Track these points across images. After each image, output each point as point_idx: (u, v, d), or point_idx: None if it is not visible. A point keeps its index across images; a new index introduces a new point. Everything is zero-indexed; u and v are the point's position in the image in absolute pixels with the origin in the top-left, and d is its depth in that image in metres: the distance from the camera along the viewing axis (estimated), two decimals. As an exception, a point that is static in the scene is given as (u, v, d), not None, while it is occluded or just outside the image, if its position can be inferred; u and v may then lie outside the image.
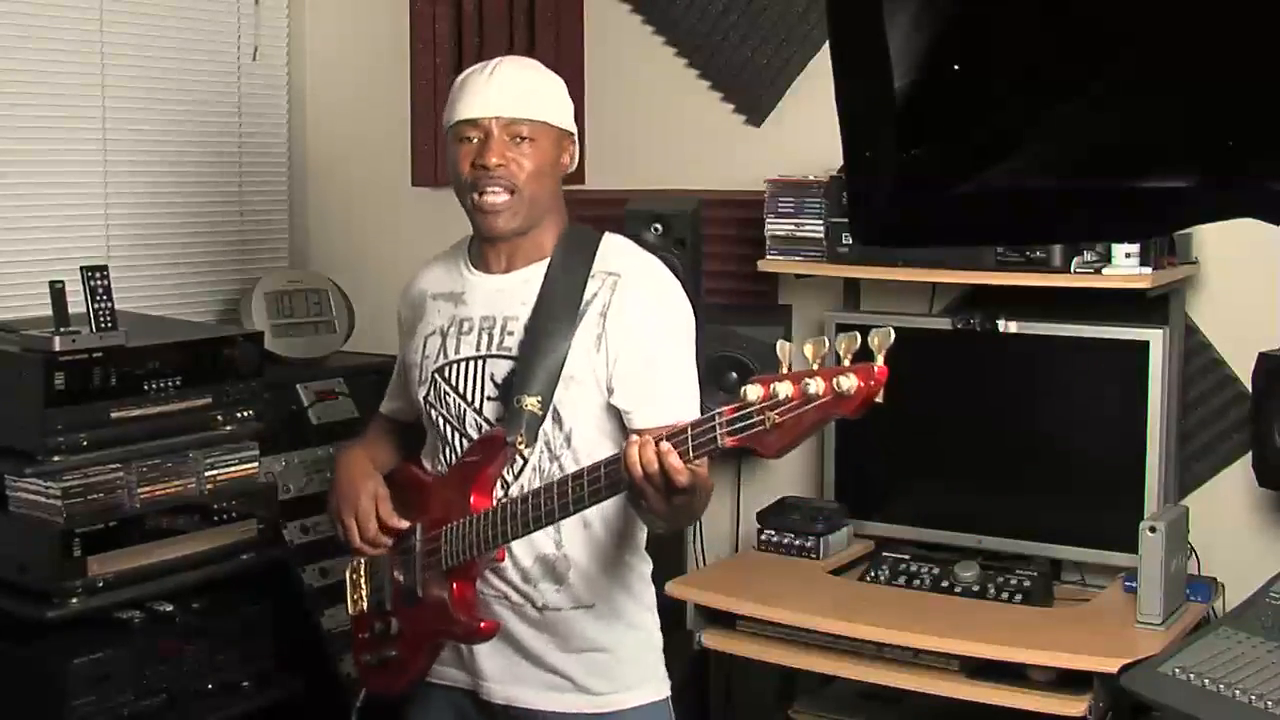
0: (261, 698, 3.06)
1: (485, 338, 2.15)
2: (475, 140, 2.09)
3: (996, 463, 3.07)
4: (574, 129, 2.17)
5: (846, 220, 2.99)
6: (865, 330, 1.62)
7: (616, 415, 2.10)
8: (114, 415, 2.82)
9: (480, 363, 2.15)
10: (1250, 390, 2.84)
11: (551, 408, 2.07)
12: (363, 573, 2.27)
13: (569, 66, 3.56)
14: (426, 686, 2.22)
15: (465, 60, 3.75)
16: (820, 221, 3.11)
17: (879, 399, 1.59)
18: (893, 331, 1.55)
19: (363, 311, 3.89)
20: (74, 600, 2.74)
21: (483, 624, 2.09)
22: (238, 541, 3.05)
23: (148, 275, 3.70)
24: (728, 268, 3.40)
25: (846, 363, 1.60)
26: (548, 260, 2.14)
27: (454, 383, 2.17)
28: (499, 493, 2.10)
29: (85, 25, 3.52)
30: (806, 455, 3.41)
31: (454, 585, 2.09)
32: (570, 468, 2.06)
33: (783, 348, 1.68)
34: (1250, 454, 2.84)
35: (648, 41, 3.61)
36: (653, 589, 2.24)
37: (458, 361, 2.17)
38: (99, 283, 2.79)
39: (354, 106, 4.12)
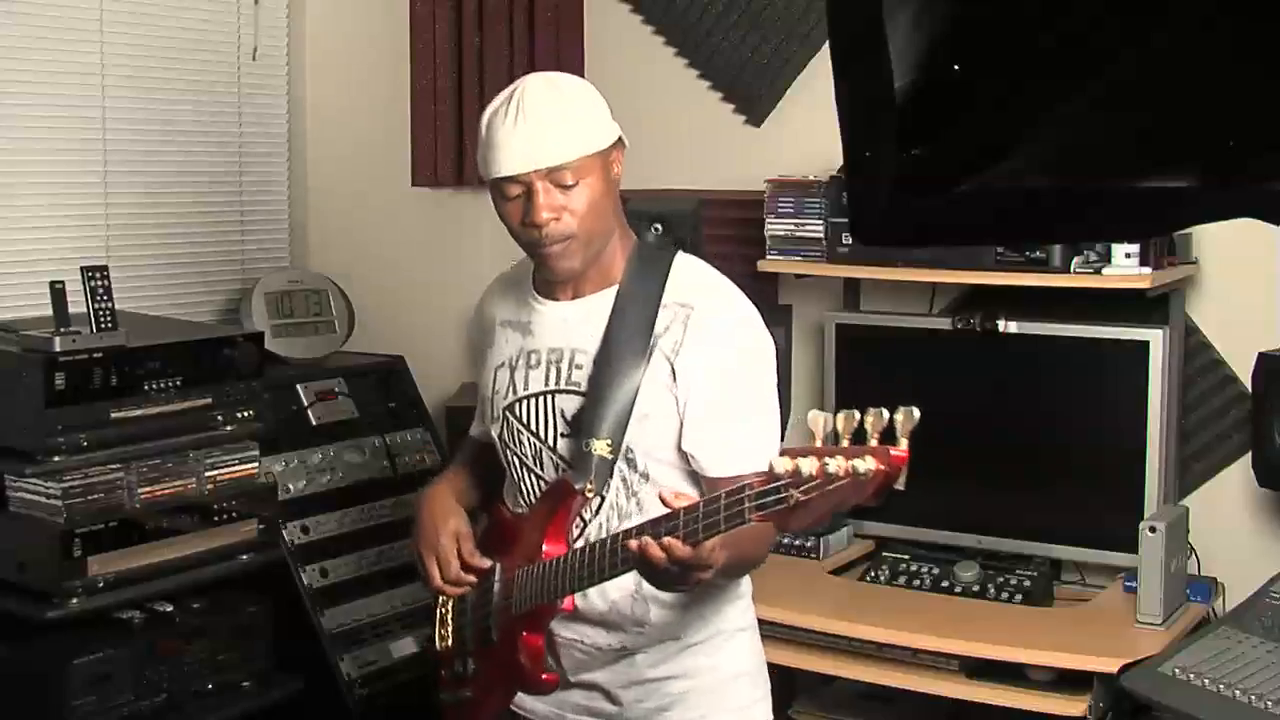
0: (261, 698, 3.06)
1: (554, 371, 2.06)
2: (519, 196, 1.96)
3: (996, 463, 3.07)
4: (616, 133, 2.02)
5: (846, 220, 2.99)
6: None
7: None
8: (114, 415, 2.82)
9: (550, 398, 2.06)
10: (1250, 390, 2.84)
11: (626, 448, 1.99)
12: (450, 609, 2.23)
13: (569, 66, 3.56)
14: (509, 715, 2.17)
15: (465, 60, 3.76)
16: (820, 221, 3.11)
17: (900, 485, 1.55)
18: (917, 412, 1.52)
19: (363, 311, 3.90)
20: (74, 600, 2.74)
21: (545, 676, 2.04)
22: (238, 541, 3.05)
23: (148, 275, 3.70)
24: (728, 268, 3.36)
25: (874, 440, 1.55)
26: (616, 287, 2.04)
27: (525, 420, 2.10)
28: (574, 532, 2.04)
29: (85, 25, 3.52)
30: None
31: (523, 633, 2.04)
32: (649, 504, 1.99)
33: (814, 419, 1.62)
34: (1250, 454, 2.84)
35: (648, 41, 3.61)
36: (748, 613, 2.15)
37: (527, 397, 2.09)
38: (99, 283, 2.79)
39: (354, 106, 4.12)
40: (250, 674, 3.07)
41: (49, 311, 2.76)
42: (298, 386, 3.53)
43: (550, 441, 2.07)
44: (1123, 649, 2.57)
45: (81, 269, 2.80)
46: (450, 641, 2.22)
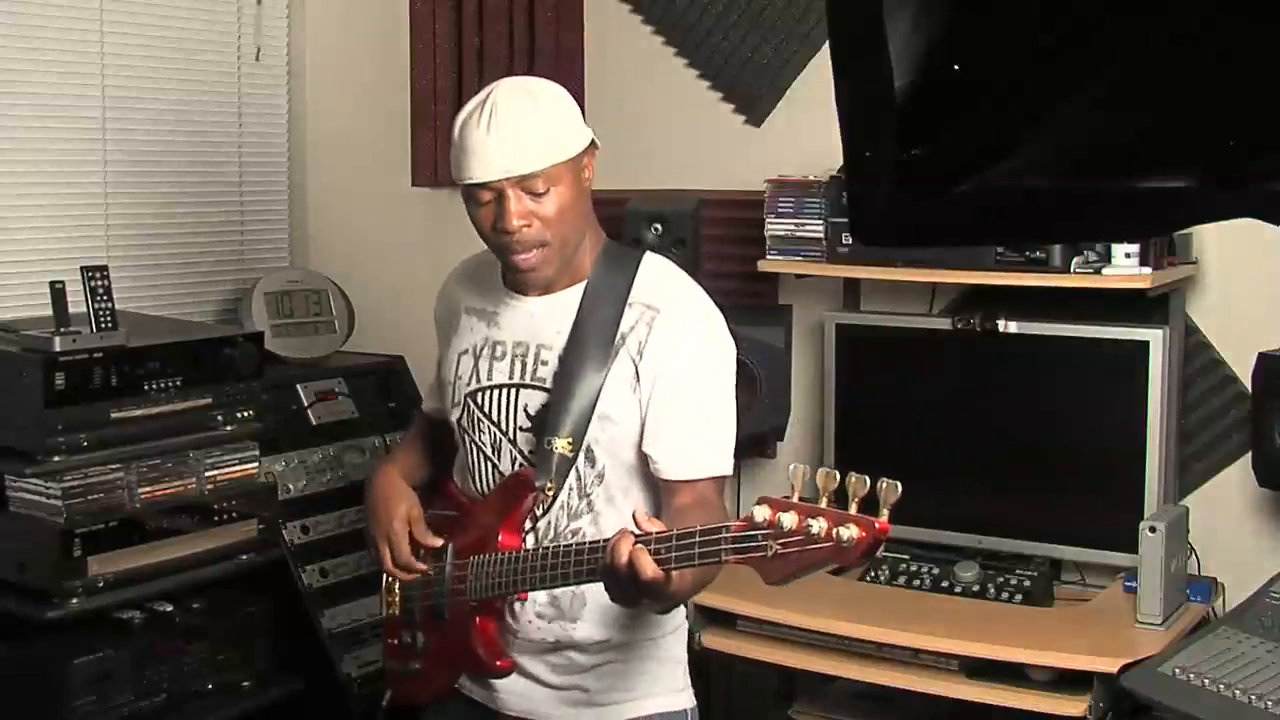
0: (261, 698, 3.06)
1: (519, 365, 2.10)
2: (490, 202, 1.98)
3: (996, 463, 3.07)
4: (587, 138, 2.03)
5: (846, 220, 2.99)
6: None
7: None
8: (114, 415, 2.82)
9: (514, 392, 2.10)
10: (1250, 390, 2.84)
11: (587, 446, 2.02)
12: (398, 579, 2.26)
13: (569, 66, 3.56)
14: (449, 691, 2.21)
15: (465, 60, 3.76)
16: (820, 221, 3.11)
17: (879, 552, 1.57)
18: (900, 486, 1.53)
19: (363, 311, 3.90)
20: (74, 600, 2.74)
21: (499, 662, 2.09)
22: (238, 541, 3.06)
23: (148, 275, 3.70)
24: (728, 268, 3.39)
25: (854, 508, 1.57)
26: (584, 284, 2.07)
27: (488, 410, 2.12)
28: (525, 526, 2.07)
29: (85, 25, 3.52)
30: (807, 456, 3.41)
31: (477, 619, 2.09)
32: (599, 505, 2.05)
33: (794, 471, 1.65)
34: (1250, 454, 2.84)
35: (648, 41, 3.61)
36: (677, 612, 2.17)
37: (491, 388, 2.12)
38: (99, 283, 2.79)
39: (354, 107, 4.12)
40: (250, 674, 3.07)
41: (49, 311, 2.76)
42: (298, 386, 3.53)
43: (511, 434, 2.10)
44: (1123, 649, 2.57)
45: (81, 269, 2.80)
46: (397, 611, 2.26)
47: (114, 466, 2.82)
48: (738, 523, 1.68)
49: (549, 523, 2.07)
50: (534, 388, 2.08)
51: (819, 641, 2.83)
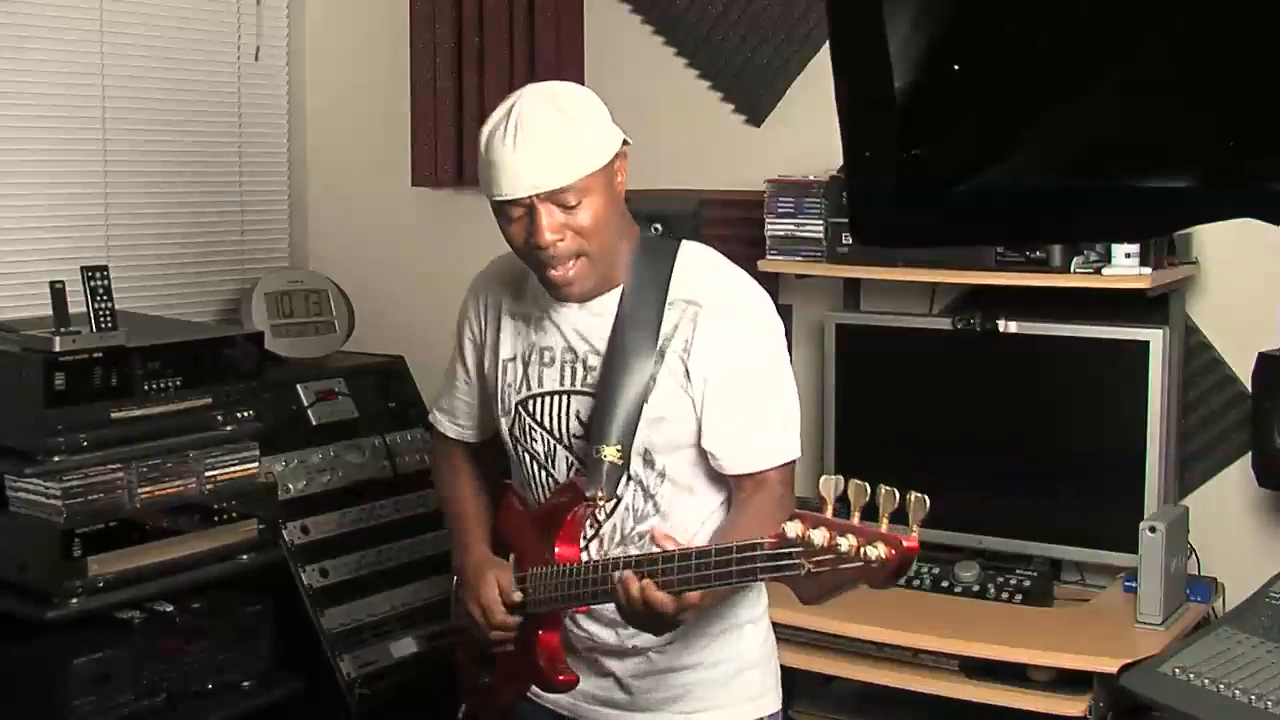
0: (261, 698, 3.06)
1: (569, 371, 2.05)
2: (522, 217, 1.92)
3: (996, 463, 3.06)
4: (618, 141, 1.97)
5: (846, 220, 2.99)
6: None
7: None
8: (114, 415, 2.82)
9: (565, 399, 2.05)
10: (1250, 390, 2.84)
11: (644, 450, 1.99)
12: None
13: (569, 66, 3.57)
14: (526, 701, 2.17)
15: (465, 60, 3.75)
16: (820, 221, 3.11)
17: (910, 570, 1.57)
18: (928, 501, 1.52)
19: (363, 311, 3.90)
20: (74, 600, 2.74)
21: (561, 677, 2.05)
22: (238, 541, 3.05)
23: (148, 275, 3.70)
24: (728, 268, 3.39)
25: (884, 522, 1.55)
26: (621, 288, 2.02)
27: (539, 418, 2.08)
28: (589, 532, 2.04)
29: (85, 25, 3.52)
30: (807, 456, 3.40)
31: (539, 632, 2.05)
32: (665, 506, 2.02)
33: (825, 483, 1.61)
34: (1250, 454, 2.84)
35: (648, 41, 3.61)
36: (759, 600, 2.15)
37: (542, 395, 2.07)
38: (99, 283, 2.79)
39: (354, 107, 4.12)
40: (250, 674, 3.07)
41: (49, 311, 2.76)
42: (298, 386, 3.53)
43: (566, 441, 2.06)
44: (1123, 649, 2.57)
45: (81, 269, 2.80)
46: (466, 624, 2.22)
47: (114, 466, 2.82)
48: (770, 539, 1.65)
49: (614, 525, 2.04)
50: (584, 393, 2.04)
51: (819, 641, 2.83)
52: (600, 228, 1.93)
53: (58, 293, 2.75)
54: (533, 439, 2.10)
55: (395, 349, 3.84)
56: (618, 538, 2.04)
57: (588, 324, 2.04)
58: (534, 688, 2.14)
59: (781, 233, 3.17)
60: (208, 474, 3.00)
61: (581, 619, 2.08)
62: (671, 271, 2.01)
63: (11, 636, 2.80)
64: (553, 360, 2.07)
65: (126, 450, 2.84)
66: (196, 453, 2.98)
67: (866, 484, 1.57)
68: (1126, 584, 2.85)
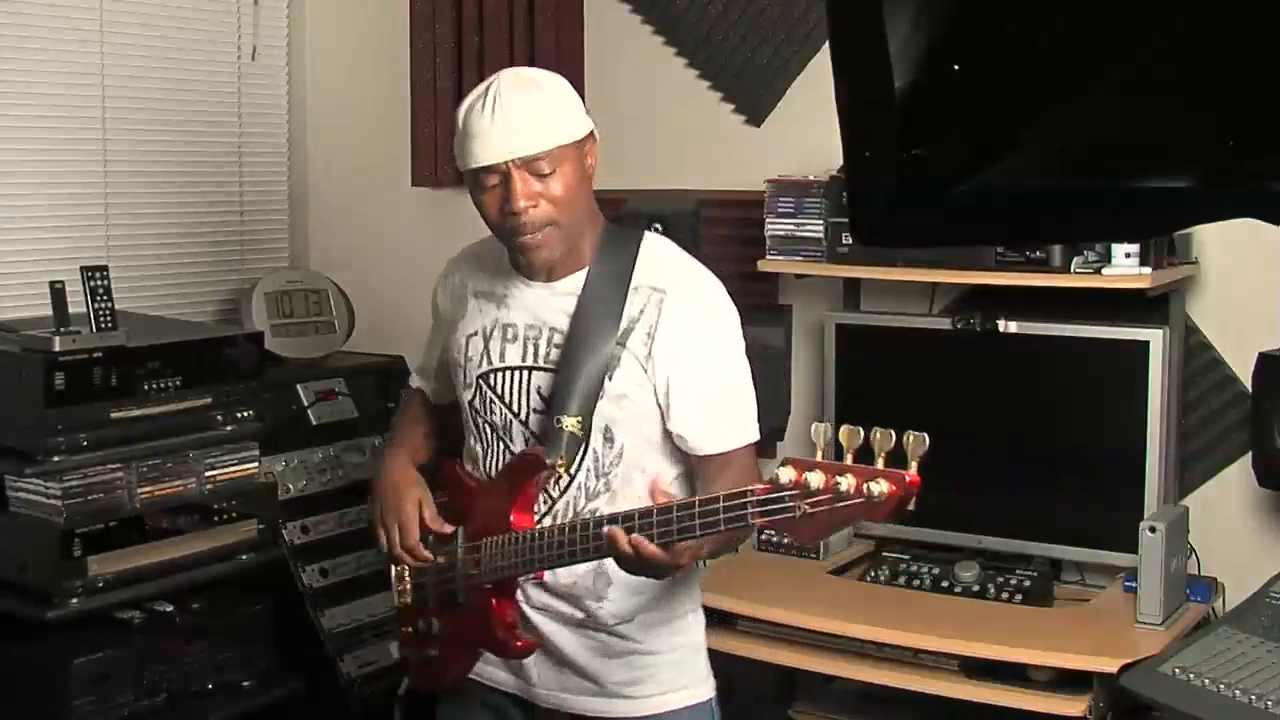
0: (261, 698, 3.06)
1: (530, 348, 2.11)
2: (496, 186, 2.00)
3: (996, 463, 3.06)
4: (589, 126, 2.07)
5: (846, 220, 2.99)
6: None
7: (671, 434, 2.08)
8: (114, 415, 2.82)
9: (525, 374, 2.12)
10: (1250, 390, 2.84)
11: (604, 426, 2.05)
12: (407, 566, 2.26)
13: (569, 66, 3.56)
14: (468, 683, 2.23)
15: (465, 60, 3.76)
16: (820, 221, 3.11)
17: (910, 506, 1.60)
18: (927, 439, 1.54)
19: (363, 311, 3.89)
20: (74, 600, 2.74)
21: (519, 643, 2.10)
22: (238, 541, 3.06)
23: (148, 275, 3.70)
24: (728, 268, 3.36)
25: (880, 462, 1.59)
26: (587, 269, 2.10)
27: (499, 391, 2.14)
28: (541, 508, 2.09)
29: (85, 25, 3.52)
30: (806, 456, 3.41)
31: (493, 601, 2.09)
32: (616, 485, 2.07)
33: (816, 430, 1.68)
34: (1250, 454, 2.84)
35: (648, 41, 3.61)
36: (697, 592, 2.23)
37: (502, 369, 2.14)
38: (99, 283, 2.79)
39: (354, 107, 4.12)
40: (250, 674, 3.07)
41: (49, 311, 2.76)
42: (298, 386, 3.53)
43: (524, 416, 2.12)
44: (1123, 649, 2.57)
45: (81, 269, 2.80)
46: (409, 599, 2.26)
47: (114, 466, 2.82)
48: (761, 485, 1.70)
49: (567, 503, 2.09)
50: (544, 369, 2.10)
51: (819, 641, 2.83)
52: (571, 200, 2.02)
53: (58, 293, 2.75)
54: (492, 412, 2.15)
55: (395, 349, 3.84)
56: (570, 514, 2.09)
57: (553, 303, 2.10)
58: (483, 670, 2.18)
59: (781, 233, 3.17)
60: (208, 474, 3.00)
61: (535, 592, 2.12)
62: (636, 258, 2.09)
63: (11, 636, 2.80)
64: (515, 336, 2.13)
65: (126, 450, 2.84)
66: (196, 453, 2.98)
67: (859, 428, 1.59)
68: (1126, 584, 2.85)
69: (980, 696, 2.67)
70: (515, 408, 2.13)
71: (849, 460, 1.62)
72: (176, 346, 2.98)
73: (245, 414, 3.07)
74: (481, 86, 2.04)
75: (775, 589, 2.97)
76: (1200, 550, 2.91)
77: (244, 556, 3.06)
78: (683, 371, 2.04)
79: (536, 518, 2.08)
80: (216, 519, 3.05)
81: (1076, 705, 2.57)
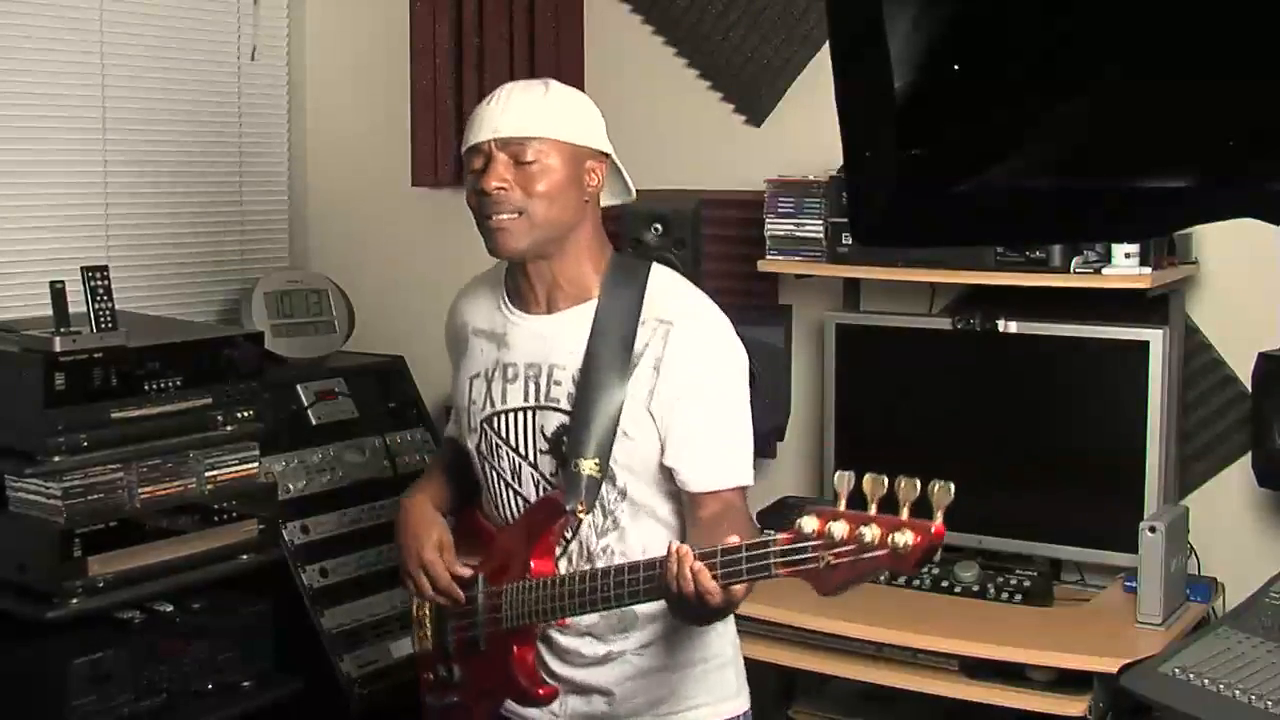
0: (261, 698, 3.06)
1: (533, 387, 2.06)
2: (480, 169, 1.99)
3: (996, 463, 3.06)
4: (600, 146, 2.03)
5: (846, 220, 2.99)
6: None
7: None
8: (114, 415, 2.82)
9: (530, 414, 2.07)
10: (1250, 390, 2.84)
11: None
12: (427, 612, 2.23)
13: (569, 66, 3.57)
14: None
15: (465, 60, 3.76)
16: (820, 221, 3.11)
17: (936, 557, 1.57)
18: (953, 488, 1.51)
19: (363, 311, 3.90)
20: (74, 600, 2.74)
21: (541, 690, 2.06)
22: (238, 541, 3.05)
23: (148, 275, 3.70)
24: (728, 268, 3.39)
25: (905, 513, 1.56)
26: (594, 303, 2.03)
27: (504, 434, 2.10)
28: (556, 550, 2.06)
29: (85, 25, 3.52)
30: (807, 456, 3.41)
31: (514, 647, 2.06)
32: (624, 521, 2.03)
33: (840, 479, 1.62)
34: (1250, 454, 2.84)
35: (648, 41, 3.61)
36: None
37: (506, 412, 2.09)
38: (99, 283, 2.79)
39: (354, 107, 4.12)
40: (250, 674, 3.07)
41: (49, 311, 2.76)
42: (298, 386, 3.53)
43: (531, 458, 2.08)
44: (1123, 649, 2.57)
45: (81, 269, 2.80)
46: (430, 645, 2.23)
47: (114, 466, 2.82)
48: (784, 535, 1.67)
49: (580, 542, 2.05)
50: (550, 409, 2.05)
51: (819, 641, 2.83)
52: (550, 198, 1.97)
53: (58, 293, 2.75)
54: (499, 456, 2.11)
55: (395, 349, 3.84)
56: (585, 554, 2.05)
57: (555, 339, 2.05)
58: (510, 706, 2.14)
59: (781, 233, 3.17)
60: (208, 474, 3.00)
61: (558, 636, 2.08)
62: (644, 291, 2.04)
63: (11, 636, 2.80)
64: (515, 376, 2.08)
65: (127, 450, 2.84)
66: (197, 453, 2.98)
67: (884, 476, 1.57)
68: (1126, 584, 2.85)
69: (980, 696, 2.67)
70: (522, 450, 2.08)
71: (873, 511, 1.59)
72: (177, 346, 2.98)
73: (245, 414, 3.07)
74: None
75: (775, 589, 2.95)
76: (1200, 550, 2.92)
77: (244, 557, 3.06)
78: (684, 404, 1.98)
79: (555, 564, 2.04)
80: (217, 519, 3.05)
81: (1076, 705, 2.57)
